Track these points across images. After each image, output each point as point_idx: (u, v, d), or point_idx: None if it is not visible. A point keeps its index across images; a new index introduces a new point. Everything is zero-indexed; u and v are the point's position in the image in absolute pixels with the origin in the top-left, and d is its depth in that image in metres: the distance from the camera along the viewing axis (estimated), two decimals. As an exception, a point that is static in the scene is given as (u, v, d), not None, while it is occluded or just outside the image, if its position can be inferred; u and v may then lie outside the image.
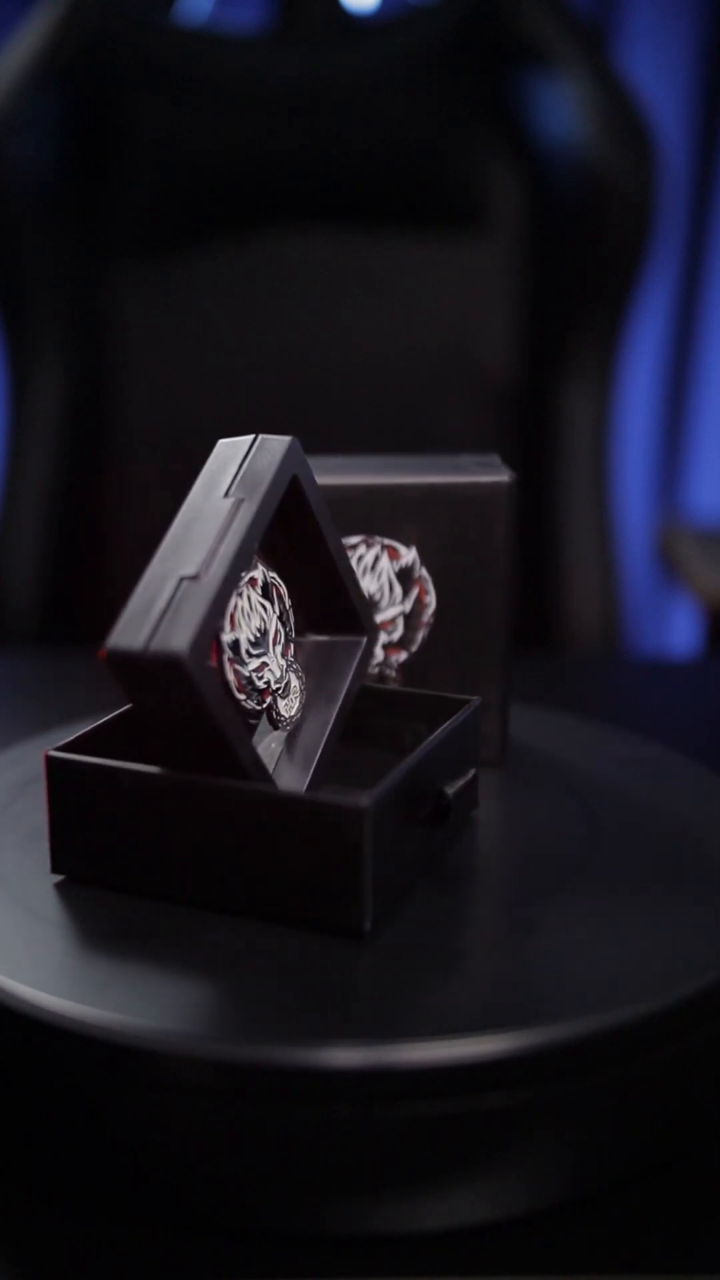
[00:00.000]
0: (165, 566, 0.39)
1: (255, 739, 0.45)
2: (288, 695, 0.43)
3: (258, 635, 0.42)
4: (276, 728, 0.44)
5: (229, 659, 0.41)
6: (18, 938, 0.38)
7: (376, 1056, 0.32)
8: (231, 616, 0.41)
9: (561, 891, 0.41)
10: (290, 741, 0.45)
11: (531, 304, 1.06)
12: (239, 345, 1.07)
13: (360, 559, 0.51)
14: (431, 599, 0.51)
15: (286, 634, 0.44)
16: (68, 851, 0.41)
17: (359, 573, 0.51)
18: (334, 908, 0.38)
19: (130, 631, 0.37)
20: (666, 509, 1.61)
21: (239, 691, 0.41)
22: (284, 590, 0.44)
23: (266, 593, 0.43)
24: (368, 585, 0.51)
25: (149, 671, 0.37)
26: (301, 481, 0.43)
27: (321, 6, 1.07)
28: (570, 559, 1.05)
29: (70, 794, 0.40)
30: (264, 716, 0.43)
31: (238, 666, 0.41)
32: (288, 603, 0.44)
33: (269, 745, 0.45)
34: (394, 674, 0.51)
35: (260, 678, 0.42)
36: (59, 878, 0.41)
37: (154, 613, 0.37)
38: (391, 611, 0.51)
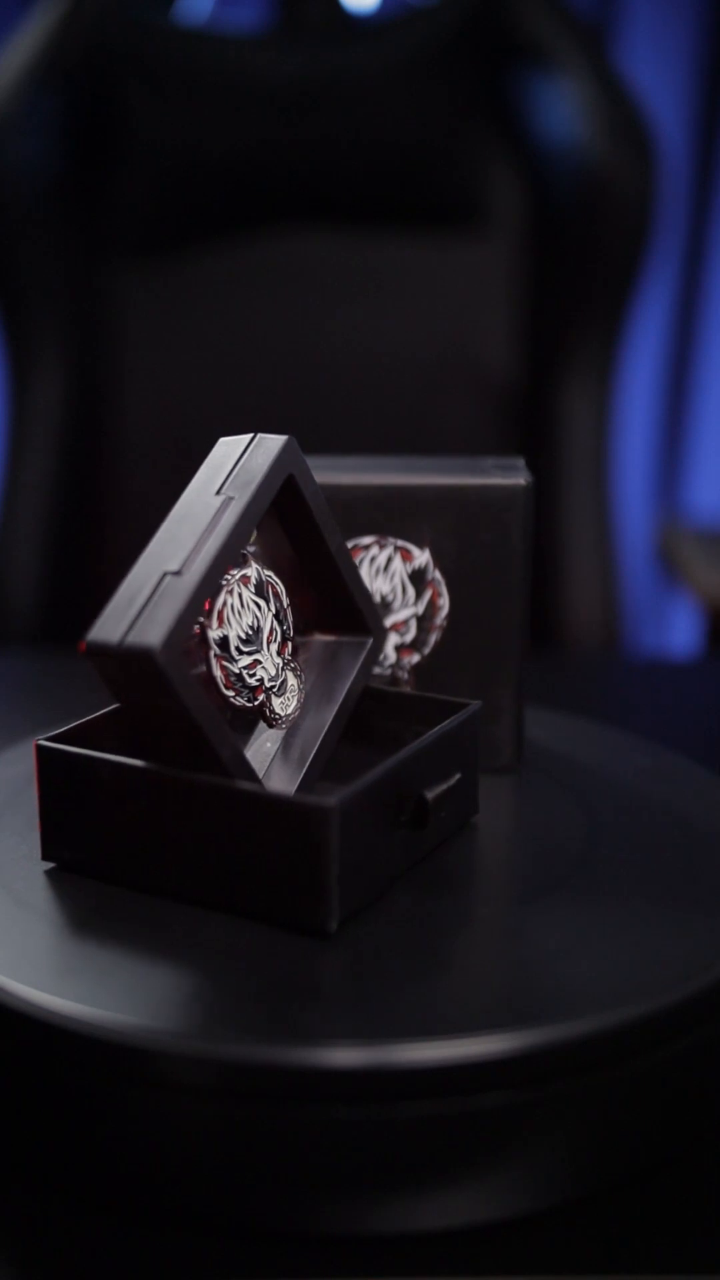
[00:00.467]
0: (151, 562, 0.39)
1: (252, 737, 0.45)
2: (283, 693, 0.43)
3: (250, 633, 0.42)
4: (272, 726, 0.43)
5: (216, 655, 0.41)
6: (13, 934, 0.38)
7: (376, 1056, 0.32)
8: (220, 613, 0.41)
9: (561, 892, 0.41)
10: (288, 740, 0.45)
11: (531, 304, 1.06)
12: (239, 345, 1.07)
13: (373, 560, 0.50)
14: (445, 601, 0.50)
15: (283, 632, 0.44)
16: (56, 840, 0.42)
17: (372, 573, 0.50)
18: (301, 906, 0.38)
19: (109, 625, 0.38)
20: (666, 509, 1.61)
21: (227, 688, 0.41)
22: (281, 589, 0.44)
23: (261, 591, 0.43)
24: (380, 586, 0.51)
25: (125, 665, 0.37)
26: (298, 481, 0.43)
27: (321, 6, 1.07)
28: (570, 559, 1.05)
29: (59, 783, 0.41)
30: (260, 714, 0.43)
31: (226, 663, 0.41)
32: (285, 601, 0.44)
33: (263, 744, 0.45)
34: (406, 676, 0.51)
35: (253, 675, 0.42)
36: (52, 869, 0.42)
37: (134, 608, 0.38)
38: (404, 613, 0.50)
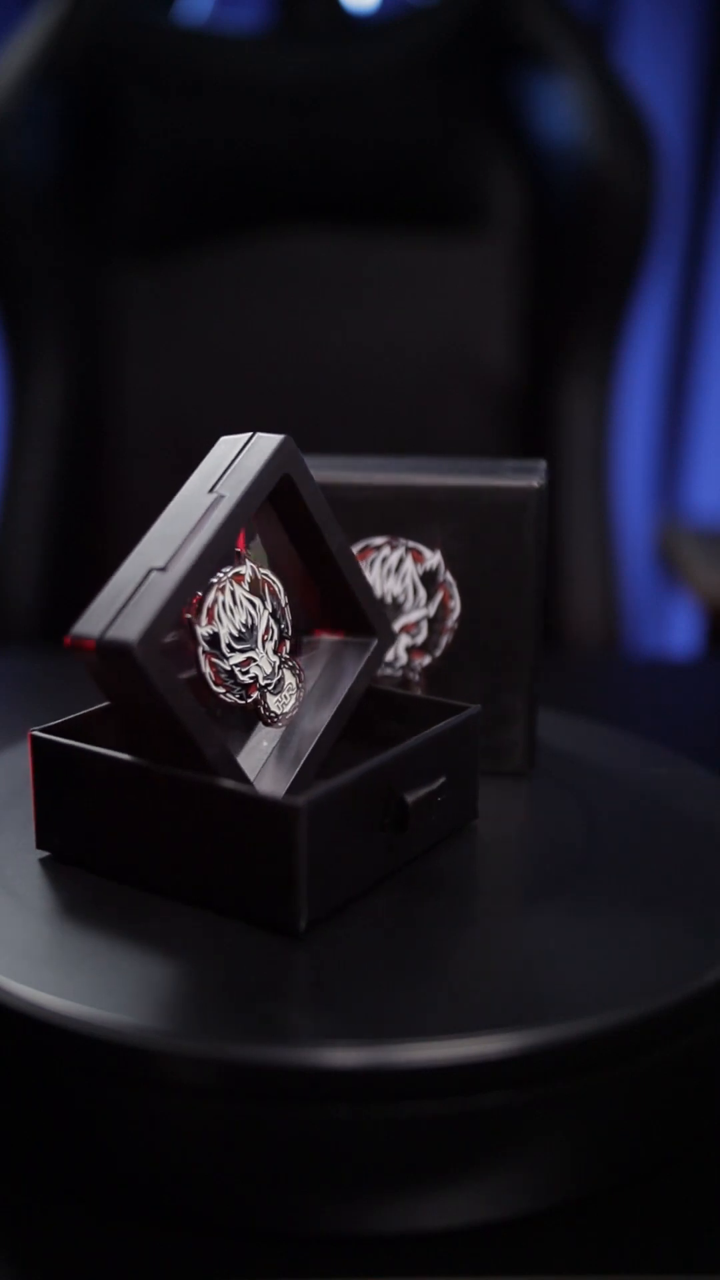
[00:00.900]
0: (139, 559, 0.39)
1: (251, 735, 0.45)
2: (280, 691, 0.43)
3: (243, 630, 0.42)
4: (268, 724, 0.44)
5: (205, 652, 0.41)
6: (13, 933, 0.38)
7: (376, 1056, 0.32)
8: (210, 610, 0.41)
9: (562, 892, 0.41)
10: (285, 739, 0.45)
11: (531, 304, 1.06)
12: (239, 345, 1.07)
13: (385, 561, 0.50)
14: (456, 604, 0.50)
15: (280, 631, 0.44)
16: (48, 828, 0.42)
17: (383, 574, 0.50)
18: (270, 904, 0.38)
19: (92, 621, 0.38)
20: (666, 509, 1.61)
21: (217, 685, 0.41)
22: (278, 587, 0.44)
23: (256, 589, 0.43)
24: (392, 587, 0.50)
25: (107, 660, 0.38)
26: (295, 480, 0.43)
27: (321, 6, 1.07)
28: (570, 559, 1.05)
29: (51, 773, 0.42)
30: (254, 712, 0.43)
31: (216, 660, 0.41)
32: (283, 600, 0.44)
33: (259, 742, 0.45)
34: (418, 678, 0.51)
35: (245, 672, 0.42)
36: (50, 867, 0.42)
37: (117, 603, 0.38)
38: (415, 615, 0.50)
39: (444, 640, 0.50)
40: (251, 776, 0.43)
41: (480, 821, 0.46)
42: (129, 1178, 0.34)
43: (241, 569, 0.42)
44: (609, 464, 1.07)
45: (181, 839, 0.39)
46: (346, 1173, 0.33)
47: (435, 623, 0.50)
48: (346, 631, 0.47)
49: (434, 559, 0.50)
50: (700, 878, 0.43)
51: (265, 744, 0.45)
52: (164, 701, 0.37)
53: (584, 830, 0.46)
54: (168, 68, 1.04)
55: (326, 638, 0.47)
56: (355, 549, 0.51)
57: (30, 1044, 0.35)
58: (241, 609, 0.42)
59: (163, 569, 0.39)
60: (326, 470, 0.50)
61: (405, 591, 0.50)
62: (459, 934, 0.39)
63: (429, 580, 0.50)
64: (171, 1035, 0.33)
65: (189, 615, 0.41)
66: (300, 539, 0.45)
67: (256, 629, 0.43)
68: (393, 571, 0.50)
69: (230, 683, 0.42)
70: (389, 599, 0.51)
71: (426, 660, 0.51)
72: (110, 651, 0.37)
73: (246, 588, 0.43)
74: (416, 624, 0.50)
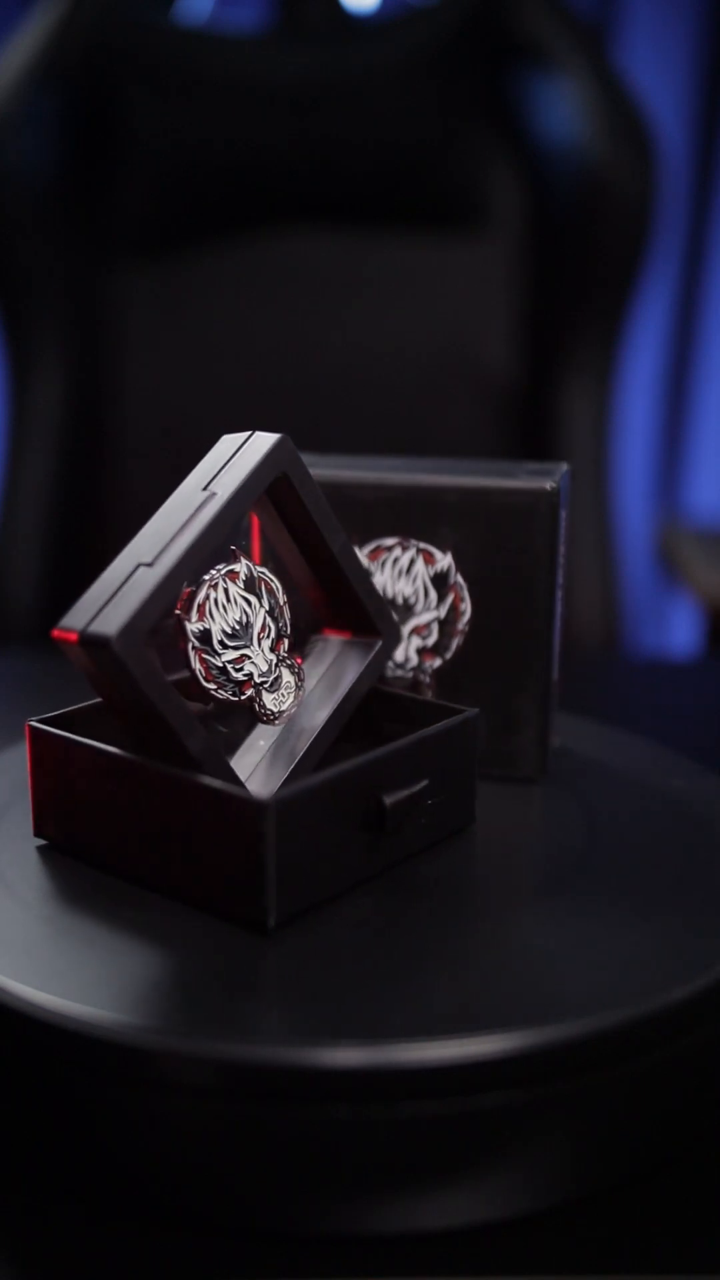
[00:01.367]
0: (130, 554, 0.40)
1: (247, 732, 0.45)
2: (277, 690, 0.43)
3: (237, 627, 0.42)
4: (265, 722, 0.44)
5: (195, 648, 0.41)
6: (13, 933, 0.38)
7: (376, 1056, 0.32)
8: (201, 607, 0.41)
9: (562, 892, 0.41)
10: (283, 738, 0.45)
11: (531, 304, 1.06)
12: (239, 345, 1.07)
13: (396, 561, 0.50)
14: (467, 606, 0.49)
15: (278, 629, 0.44)
16: (45, 817, 0.43)
17: (395, 575, 0.50)
18: (241, 900, 0.38)
19: (78, 614, 0.38)
20: (666, 509, 1.61)
21: (207, 681, 0.41)
22: (276, 586, 0.44)
23: (252, 587, 0.43)
24: (403, 588, 0.50)
25: (89, 653, 0.38)
26: (293, 480, 0.43)
27: (321, 6, 1.07)
28: (570, 559, 1.05)
29: (45, 763, 0.43)
30: (249, 709, 0.43)
31: (207, 656, 0.41)
32: (281, 598, 0.44)
33: (256, 740, 0.45)
34: (428, 680, 0.51)
35: (239, 669, 0.42)
36: (49, 865, 0.42)
37: (103, 598, 0.39)
38: (426, 616, 0.50)
39: (455, 643, 0.50)
40: (247, 774, 0.43)
41: (480, 823, 0.46)
42: (129, 1178, 0.34)
43: (236, 566, 0.43)
44: (609, 464, 1.07)
45: (161, 832, 0.40)
46: (346, 1173, 0.33)
47: (446, 625, 0.50)
48: (353, 632, 0.47)
49: (445, 560, 0.49)
50: (700, 878, 0.43)
51: (262, 742, 0.45)
52: (144, 695, 0.38)
53: (584, 830, 0.46)
54: (168, 68, 1.04)
55: (332, 637, 0.47)
56: (366, 549, 0.50)
57: (30, 1044, 0.35)
58: (236, 606, 0.42)
59: (150, 564, 0.39)
60: (337, 469, 0.50)
61: (416, 593, 0.50)
62: (458, 934, 0.39)
63: (440, 582, 0.50)
64: (172, 1035, 0.33)
65: (179, 611, 0.41)
66: (302, 539, 0.45)
67: (252, 626, 0.43)
68: (404, 573, 0.50)
69: (222, 679, 0.42)
70: (400, 600, 0.50)
71: (437, 663, 0.50)
72: (92, 645, 0.38)
73: (241, 585, 0.43)
74: (427, 626, 0.50)
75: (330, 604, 0.47)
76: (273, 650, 0.43)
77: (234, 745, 0.45)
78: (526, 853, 0.46)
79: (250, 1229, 0.34)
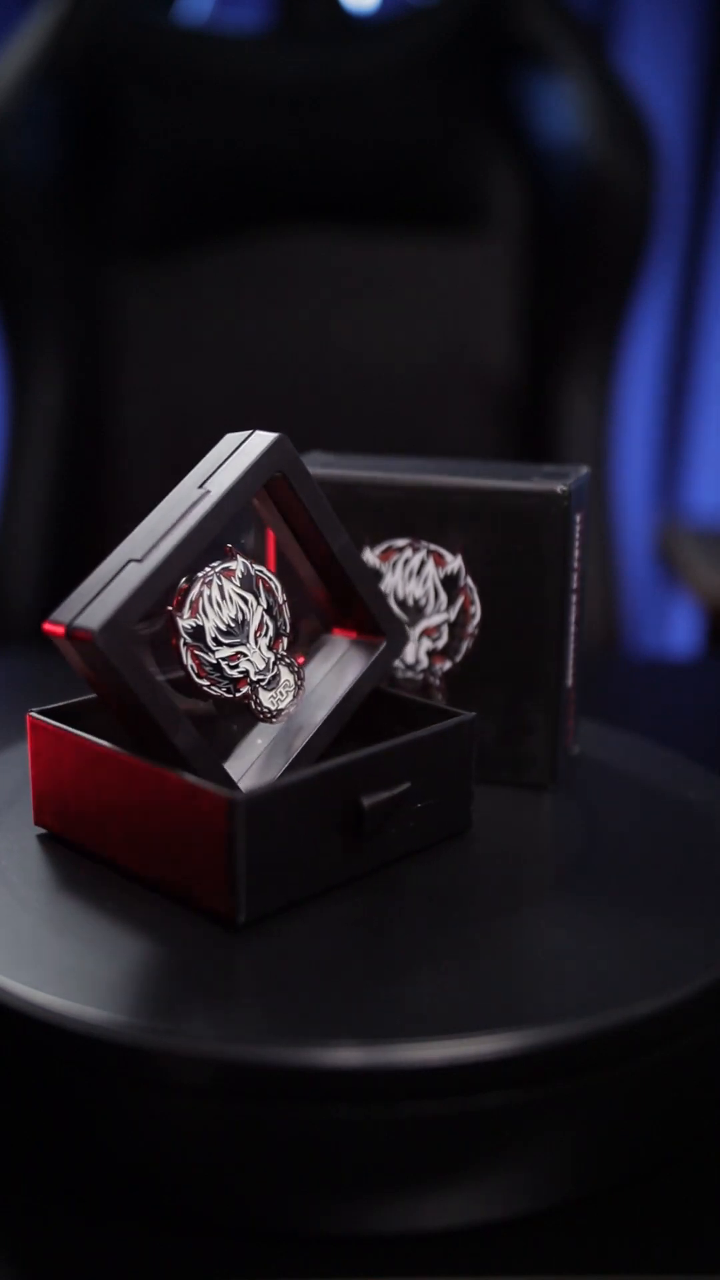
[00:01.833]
0: (122, 551, 0.40)
1: (251, 731, 0.45)
2: (274, 688, 0.43)
3: (232, 625, 0.42)
4: (263, 720, 0.44)
5: (187, 644, 0.41)
6: (13, 932, 0.38)
7: (376, 1056, 0.32)
8: (195, 603, 0.41)
9: (562, 892, 0.41)
10: (280, 736, 0.45)
11: (531, 304, 1.06)
12: (239, 345, 1.07)
13: (407, 562, 0.50)
14: (477, 609, 0.49)
15: (276, 627, 0.44)
16: (44, 807, 0.44)
17: (405, 576, 0.50)
18: (212, 896, 0.38)
19: (67, 608, 0.39)
20: (666, 509, 1.61)
21: (200, 677, 0.42)
22: (275, 585, 0.44)
23: (248, 585, 0.43)
24: (414, 590, 0.50)
25: (76, 647, 0.38)
26: (290, 479, 0.43)
27: (321, 6, 1.07)
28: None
29: (44, 754, 0.43)
30: (247, 706, 0.43)
31: (200, 653, 0.42)
32: (280, 597, 0.44)
33: (255, 738, 0.45)
34: (438, 682, 0.50)
35: (234, 666, 0.42)
36: (48, 863, 0.42)
37: (92, 592, 0.39)
38: (436, 618, 0.49)
39: (465, 646, 0.49)
40: (243, 771, 0.44)
41: (480, 827, 0.46)
42: (129, 1178, 0.34)
43: (232, 564, 0.43)
44: (609, 464, 1.07)
45: (140, 824, 0.40)
46: (346, 1173, 0.33)
47: (456, 628, 0.49)
48: (360, 632, 0.47)
49: (455, 563, 0.49)
50: (700, 878, 0.43)
51: (260, 740, 0.45)
52: (129, 689, 0.38)
53: (584, 830, 0.46)
54: (168, 68, 1.04)
55: (339, 637, 0.47)
56: (378, 550, 0.50)
57: (30, 1044, 0.35)
58: (231, 604, 0.42)
59: (140, 560, 0.39)
60: (349, 469, 0.50)
61: (427, 594, 0.50)
62: (459, 934, 0.39)
63: (450, 584, 0.49)
64: (172, 1035, 0.33)
65: (170, 607, 0.41)
66: (303, 539, 0.45)
67: (248, 624, 0.43)
68: (414, 574, 0.50)
69: (216, 676, 0.42)
70: (410, 601, 0.50)
71: (447, 665, 0.50)
72: (77, 638, 0.38)
73: (238, 583, 0.43)
74: (437, 628, 0.50)
75: (336, 604, 0.47)
76: (270, 649, 0.43)
77: (233, 743, 0.45)
78: (526, 852, 0.46)
79: (250, 1229, 0.34)
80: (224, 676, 0.42)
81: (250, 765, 0.44)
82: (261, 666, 0.43)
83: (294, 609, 0.45)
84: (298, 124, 1.04)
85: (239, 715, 0.45)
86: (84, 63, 1.01)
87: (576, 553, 0.49)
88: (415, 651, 0.50)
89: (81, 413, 1.05)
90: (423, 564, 0.49)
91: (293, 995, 0.36)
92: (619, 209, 1.01)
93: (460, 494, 0.48)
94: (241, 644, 0.43)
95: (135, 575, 0.39)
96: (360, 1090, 0.32)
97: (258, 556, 0.45)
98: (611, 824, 0.47)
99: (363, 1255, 0.33)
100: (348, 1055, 0.32)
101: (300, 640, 0.48)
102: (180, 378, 1.07)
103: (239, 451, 0.42)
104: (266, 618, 0.43)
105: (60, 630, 0.39)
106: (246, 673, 0.43)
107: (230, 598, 0.42)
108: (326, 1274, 0.32)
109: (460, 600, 0.49)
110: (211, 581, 0.42)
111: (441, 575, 0.49)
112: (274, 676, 0.43)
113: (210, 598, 0.42)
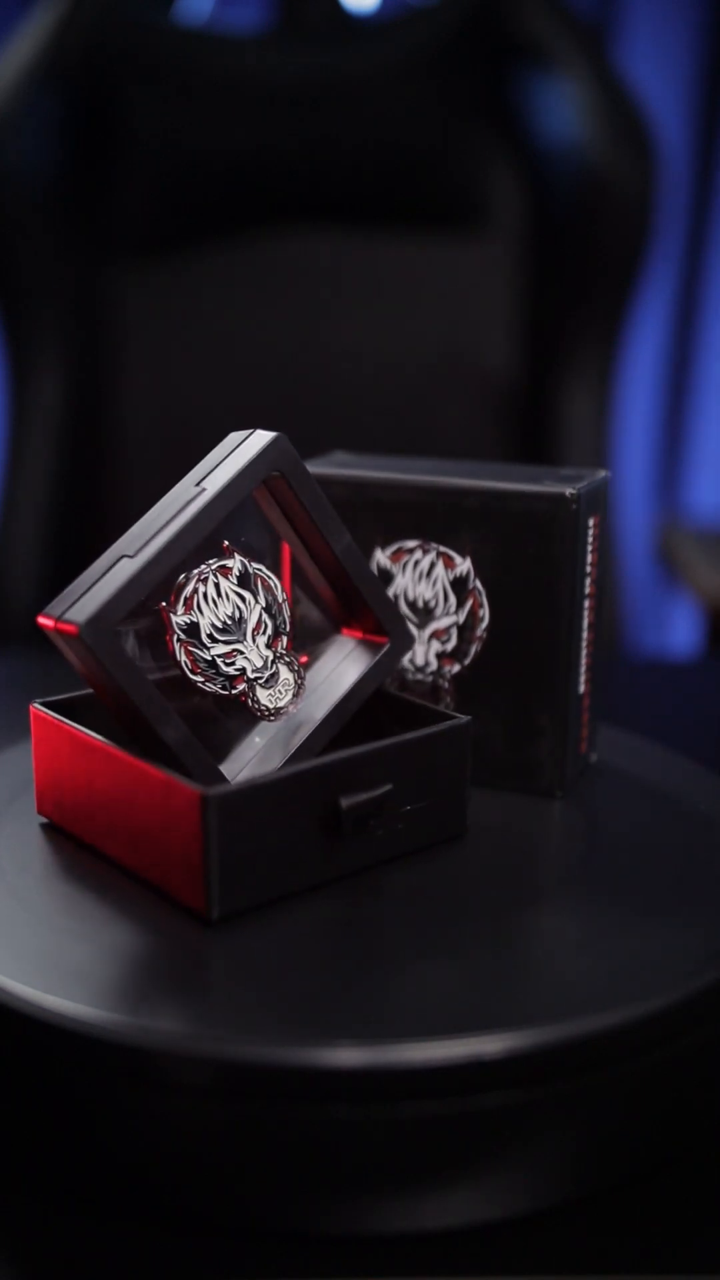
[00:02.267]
0: (118, 546, 0.41)
1: (251, 729, 0.45)
2: (272, 686, 0.43)
3: (228, 622, 0.42)
4: (262, 718, 0.44)
5: (180, 641, 0.41)
6: (13, 932, 0.38)
7: (376, 1056, 0.32)
8: (190, 600, 0.42)
9: (562, 892, 0.41)
10: (279, 735, 0.45)
11: (531, 304, 1.06)
12: (239, 345, 1.07)
13: (417, 564, 0.49)
14: (485, 612, 0.48)
15: (275, 626, 0.44)
16: (46, 796, 0.45)
17: (415, 577, 0.49)
18: (188, 890, 0.39)
19: (59, 603, 0.39)
20: (666, 509, 1.61)
21: (194, 673, 0.42)
22: (274, 583, 0.44)
23: (246, 583, 0.43)
24: (423, 591, 0.49)
25: (65, 641, 0.39)
26: (289, 479, 0.43)
27: (321, 6, 1.07)
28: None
29: (44, 744, 0.44)
30: (244, 704, 0.43)
31: (194, 650, 0.42)
32: (280, 596, 0.44)
33: (253, 737, 0.45)
34: (447, 685, 0.50)
35: (230, 664, 0.42)
36: (47, 863, 0.42)
37: (84, 587, 0.39)
38: (445, 621, 0.49)
39: (473, 649, 0.49)
40: (240, 768, 0.44)
41: (478, 828, 0.46)
42: (129, 1178, 0.34)
43: (229, 562, 0.43)
44: (609, 464, 1.07)
45: (125, 817, 0.41)
46: (346, 1173, 0.33)
47: (465, 630, 0.49)
48: (366, 633, 0.47)
49: (464, 565, 0.49)
50: (700, 878, 0.43)
51: (259, 739, 0.45)
52: (116, 683, 0.39)
53: (584, 830, 0.46)
54: (168, 68, 1.04)
55: (346, 637, 0.47)
56: (388, 551, 0.50)
57: (30, 1044, 0.35)
58: (228, 601, 0.43)
59: (132, 556, 0.40)
60: (360, 469, 0.50)
61: (436, 596, 0.49)
62: (459, 934, 0.39)
63: (459, 586, 0.49)
64: (172, 1035, 0.33)
65: (163, 604, 0.41)
66: (304, 539, 0.45)
67: (246, 622, 0.43)
68: (424, 575, 0.49)
69: (211, 673, 0.42)
70: (420, 603, 0.50)
71: (456, 668, 0.50)
72: (64, 632, 0.38)
73: (235, 581, 0.43)
74: (447, 630, 0.49)
75: (341, 605, 0.47)
76: (269, 647, 0.43)
77: (232, 740, 0.45)
78: (526, 851, 0.46)
79: (250, 1229, 0.34)
80: (220, 673, 0.42)
81: (247, 762, 0.44)
82: (259, 664, 0.43)
83: (307, 609, 0.45)
84: (298, 124, 1.04)
85: (239, 713, 0.45)
86: (84, 63, 1.01)
87: (590, 558, 0.48)
88: (425, 654, 0.50)
89: (81, 413, 1.05)
90: (433, 566, 0.49)
91: (293, 995, 0.36)
92: (619, 209, 1.01)
93: (470, 496, 0.48)
94: (238, 641, 0.43)
95: (125, 570, 0.39)
96: (360, 1090, 0.32)
97: (259, 555, 0.45)
98: (612, 825, 0.47)
99: (363, 1255, 0.33)
100: (348, 1055, 0.32)
101: (309, 640, 0.48)
102: (180, 378, 1.07)
103: (237, 450, 0.43)
104: (265, 616, 0.43)
105: (51, 624, 0.39)
106: (243, 670, 0.43)
107: (227, 595, 0.43)
108: (326, 1274, 0.32)
109: (469, 603, 0.49)
110: (207, 579, 0.42)
111: (451, 577, 0.49)
112: (273, 675, 0.43)
113: (205, 594, 0.42)
